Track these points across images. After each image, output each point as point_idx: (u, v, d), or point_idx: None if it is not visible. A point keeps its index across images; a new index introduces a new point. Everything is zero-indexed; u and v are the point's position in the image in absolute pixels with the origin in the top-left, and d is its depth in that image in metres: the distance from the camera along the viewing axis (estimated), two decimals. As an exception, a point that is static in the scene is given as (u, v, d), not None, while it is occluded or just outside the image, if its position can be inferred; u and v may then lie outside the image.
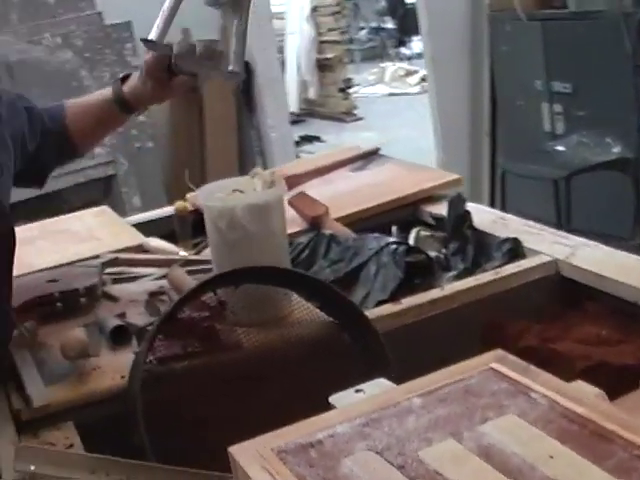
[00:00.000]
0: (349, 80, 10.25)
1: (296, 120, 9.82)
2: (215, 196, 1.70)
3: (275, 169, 1.78)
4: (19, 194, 4.06)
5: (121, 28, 4.43)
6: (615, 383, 1.38)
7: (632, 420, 0.88)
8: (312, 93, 10.15)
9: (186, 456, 1.32)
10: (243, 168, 5.14)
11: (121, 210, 4.22)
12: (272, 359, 1.58)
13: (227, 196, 1.71)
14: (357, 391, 1.01)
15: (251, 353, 1.59)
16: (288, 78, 10.23)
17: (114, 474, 1.30)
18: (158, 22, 1.62)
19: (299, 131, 9.12)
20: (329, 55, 10.10)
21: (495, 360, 1.03)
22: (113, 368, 1.58)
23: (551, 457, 0.83)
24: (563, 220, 4.37)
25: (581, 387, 0.96)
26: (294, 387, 1.51)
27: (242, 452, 0.89)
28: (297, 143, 8.34)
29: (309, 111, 10.32)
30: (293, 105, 10.13)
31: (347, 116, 9.92)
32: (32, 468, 1.29)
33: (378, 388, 1.01)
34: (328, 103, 10.13)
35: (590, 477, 0.80)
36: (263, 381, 1.52)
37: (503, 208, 4.41)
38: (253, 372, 1.55)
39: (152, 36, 1.61)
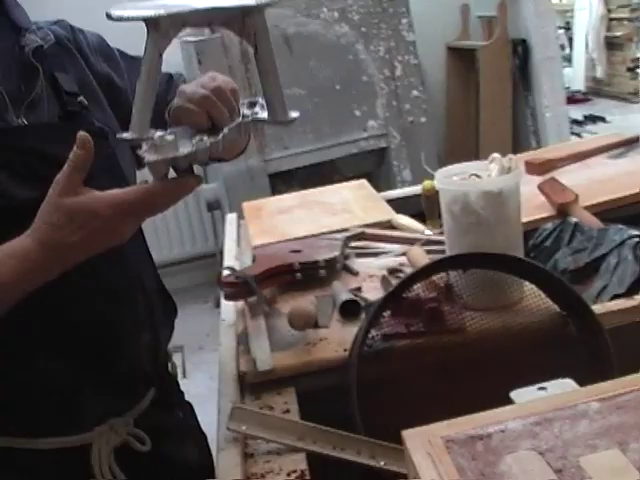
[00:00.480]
0: (638, 59, 9.85)
1: (581, 99, 9.58)
2: (451, 180, 1.72)
3: (512, 156, 1.73)
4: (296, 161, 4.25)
5: (397, 3, 4.47)
6: None
7: None
8: (599, 71, 9.84)
9: (392, 433, 1.36)
10: (516, 147, 5.11)
11: (392, 183, 4.32)
12: (494, 346, 1.59)
13: (462, 180, 1.72)
14: (540, 389, 1.01)
15: (473, 338, 1.61)
16: (575, 55, 9.99)
17: (321, 442, 1.36)
18: (134, 115, 1.28)
19: (584, 110, 8.89)
20: (618, 33, 9.74)
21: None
22: (339, 340, 1.64)
23: None
24: None
25: None
26: (511, 376, 1.51)
27: (413, 436, 0.93)
28: (580, 123, 8.15)
29: (595, 90, 10.02)
30: (579, 83, 9.89)
31: (634, 97, 9.55)
32: (243, 428, 1.37)
33: (561, 388, 1.01)
34: (615, 82, 9.79)
35: None
36: (481, 367, 1.53)
37: None
38: (473, 357, 1.56)
39: (130, 135, 1.27)
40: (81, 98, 1.53)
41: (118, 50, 1.73)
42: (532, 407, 0.96)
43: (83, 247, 1.25)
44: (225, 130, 1.34)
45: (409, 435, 0.93)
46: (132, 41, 1.79)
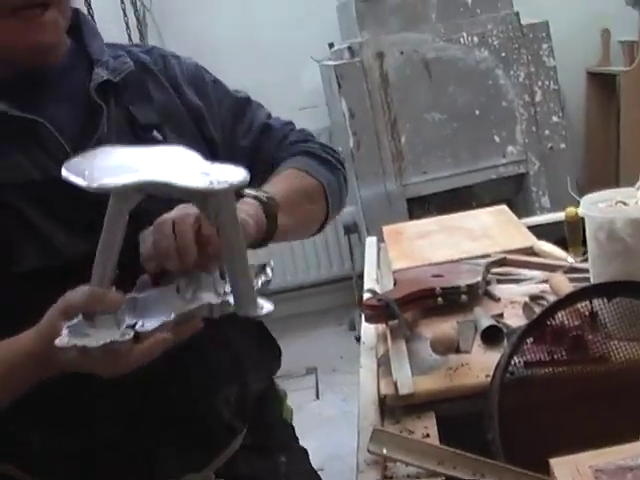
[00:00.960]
0: None
1: None
2: (597, 206, 1.70)
3: None
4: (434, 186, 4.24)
5: (538, 28, 4.42)
6: None
7: None
8: None
9: (532, 462, 1.35)
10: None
11: (530, 209, 4.27)
12: (638, 377, 1.56)
13: (608, 207, 1.70)
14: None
15: (617, 368, 1.58)
16: None
17: (461, 467, 1.36)
18: (93, 272, 1.20)
19: None
20: None
21: None
22: (481, 366, 1.64)
23: None
24: None
25: None
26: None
27: (561, 465, 0.92)
28: None
29: None
30: None
31: None
32: (384, 451, 1.38)
33: None
34: None
35: None
36: (624, 398, 1.51)
37: None
38: (616, 388, 1.54)
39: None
40: (155, 133, 1.46)
41: (214, 81, 1.64)
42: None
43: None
44: (169, 318, 1.19)
45: (557, 463, 0.92)
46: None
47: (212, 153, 1.36)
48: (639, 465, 0.90)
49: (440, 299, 1.89)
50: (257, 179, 1.43)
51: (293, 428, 1.80)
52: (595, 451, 0.93)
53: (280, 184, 1.51)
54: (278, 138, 1.67)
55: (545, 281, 2.00)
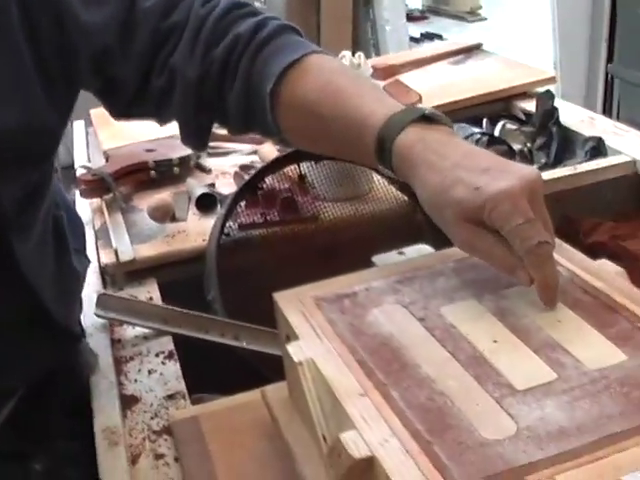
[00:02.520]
0: (473, -21, 10.02)
1: (419, 17, 9.70)
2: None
3: (361, 53, 1.79)
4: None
5: None
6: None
7: (644, 296, 0.94)
8: (437, -10, 10.00)
9: (253, 318, 1.42)
10: (356, 59, 5.15)
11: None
12: (347, 233, 1.67)
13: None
14: (399, 253, 1.09)
15: (327, 226, 1.68)
16: (414, -27, 10.09)
17: (186, 325, 1.41)
18: None
19: (421, 28, 9.01)
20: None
21: (531, 236, 1.09)
22: (197, 232, 1.69)
23: (559, 321, 0.90)
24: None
25: (605, 265, 1.02)
26: (364, 261, 1.59)
27: (284, 298, 0.98)
28: (418, 40, 8.26)
29: (433, 8, 10.17)
30: (417, 1, 10.00)
31: (471, 15, 9.75)
32: (111, 315, 1.41)
33: (419, 252, 1.09)
34: (453, 1, 9.96)
35: (589, 340, 0.87)
36: (335, 253, 1.61)
37: (617, 116, 4.35)
38: (327, 244, 1.64)
39: None
40: None
41: None
42: (393, 268, 1.04)
43: None
44: None
45: (279, 297, 0.98)
46: None
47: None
48: (355, 292, 0.98)
49: (153, 172, 1.92)
50: None
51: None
52: (315, 283, 1.00)
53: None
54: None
55: (254, 152, 2.07)
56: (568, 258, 1.02)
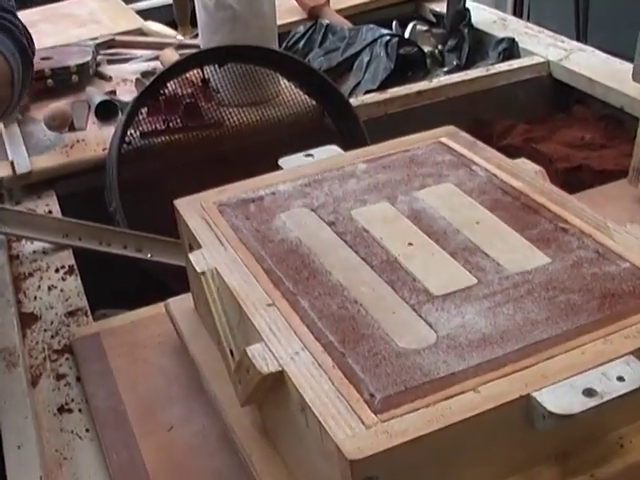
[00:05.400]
0: None
1: None
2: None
3: None
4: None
5: None
6: (594, 187, 1.40)
7: (564, 196, 0.90)
8: None
9: (156, 229, 1.35)
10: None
11: None
12: (253, 139, 1.60)
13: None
14: (307, 155, 1.02)
15: (232, 132, 1.61)
16: None
17: (87, 238, 1.34)
18: None
19: None
20: None
21: (446, 135, 1.04)
22: (97, 141, 1.61)
23: (477, 223, 0.86)
24: (581, 37, 4.28)
25: (523, 164, 0.97)
26: (272, 168, 1.53)
27: (185, 204, 0.93)
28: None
29: None
30: None
31: None
32: (6, 229, 1.33)
33: (328, 153, 1.03)
34: None
35: (510, 243, 0.82)
36: (242, 160, 1.54)
37: (527, 19, 4.32)
38: (233, 151, 1.57)
39: None
40: None
41: None
42: (301, 171, 0.98)
43: None
44: None
45: (181, 203, 0.93)
46: None
47: None
48: (260, 196, 0.92)
49: (50, 80, 1.82)
50: None
51: None
52: (218, 188, 0.94)
53: None
54: None
55: (156, 58, 1.98)
56: (485, 158, 0.98)
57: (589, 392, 0.62)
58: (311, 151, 1.03)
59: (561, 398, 0.62)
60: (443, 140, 1.02)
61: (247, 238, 0.85)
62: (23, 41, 1.15)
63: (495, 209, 0.88)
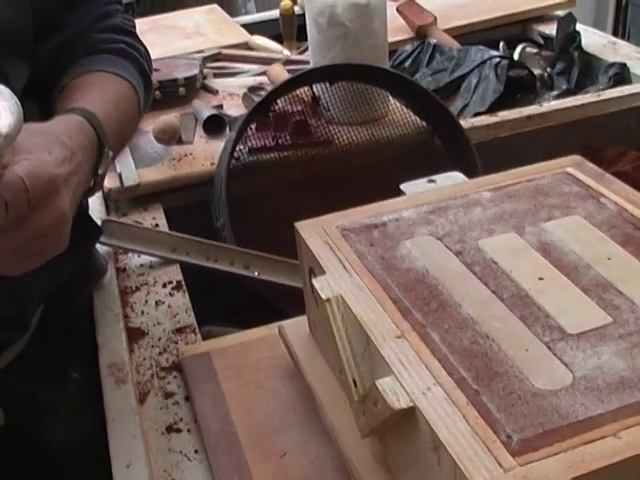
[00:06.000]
0: None
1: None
2: (316, -8, 1.68)
3: None
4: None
5: None
6: None
7: (699, 232, 0.87)
8: None
9: (263, 246, 1.35)
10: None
11: (234, 12, 4.19)
12: (362, 158, 1.59)
13: (329, -7, 1.68)
14: (429, 181, 1.01)
15: (341, 151, 1.60)
16: None
17: (194, 253, 1.34)
18: None
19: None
20: None
21: (572, 165, 1.01)
22: (205, 155, 1.61)
23: (609, 259, 0.83)
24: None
25: (654, 198, 0.94)
26: (380, 188, 1.52)
27: (307, 227, 0.91)
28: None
29: None
30: None
31: None
32: (115, 242, 1.33)
33: (451, 180, 1.01)
34: None
35: (644, 279, 0.80)
36: (350, 179, 1.53)
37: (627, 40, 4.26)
38: (341, 170, 1.56)
39: None
40: None
41: None
42: (424, 197, 0.96)
43: None
44: None
45: (302, 226, 0.91)
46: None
47: None
48: (384, 222, 0.90)
49: (158, 92, 1.83)
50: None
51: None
52: (340, 212, 0.93)
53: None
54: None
55: (263, 73, 1.98)
56: (614, 190, 0.95)
57: None
58: (434, 177, 1.01)
59: None
60: (569, 170, 1.00)
61: (372, 265, 0.84)
62: (145, 66, 1.15)
63: (627, 244, 0.85)
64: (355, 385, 0.77)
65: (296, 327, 0.99)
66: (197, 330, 1.18)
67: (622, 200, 0.93)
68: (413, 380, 0.68)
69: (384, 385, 0.68)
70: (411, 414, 0.66)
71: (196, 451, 0.95)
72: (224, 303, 1.37)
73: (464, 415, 0.64)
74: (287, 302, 1.19)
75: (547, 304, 0.76)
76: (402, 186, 1.00)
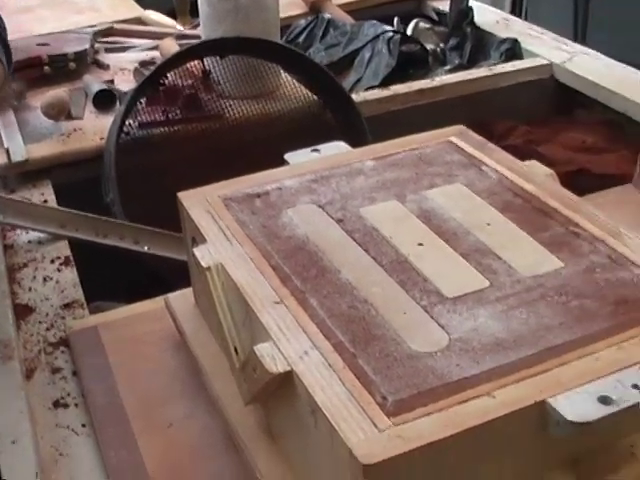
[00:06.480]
0: None
1: None
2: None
3: None
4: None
5: None
6: (594, 190, 1.38)
7: (576, 200, 0.89)
8: None
9: (153, 221, 1.34)
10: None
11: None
12: (253, 132, 1.58)
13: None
14: (313, 150, 1.01)
15: (232, 125, 1.59)
16: None
17: (84, 229, 1.32)
18: None
19: None
20: None
21: (456, 134, 1.03)
22: (95, 130, 1.59)
23: (488, 225, 0.84)
24: (579, 39, 4.27)
25: (534, 166, 0.96)
26: (272, 162, 1.52)
27: (189, 197, 0.91)
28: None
29: None
30: None
31: None
32: (1, 218, 1.31)
33: (335, 150, 1.01)
34: None
35: (522, 246, 0.81)
36: (242, 154, 1.52)
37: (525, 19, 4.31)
38: (232, 144, 1.55)
39: None
40: None
41: None
42: (308, 166, 0.96)
43: None
44: None
45: (185, 196, 0.91)
46: None
47: None
48: (266, 191, 0.91)
49: (47, 67, 1.80)
50: None
51: None
52: (223, 182, 0.92)
53: None
54: None
55: (155, 48, 1.96)
56: (496, 159, 0.96)
57: (605, 400, 0.61)
58: (318, 147, 1.01)
59: (577, 405, 0.61)
60: (452, 139, 1.01)
61: (253, 233, 0.84)
62: (2, 34, 1.12)
63: (506, 211, 0.86)
64: (236, 353, 0.77)
65: (182, 299, 0.99)
66: (85, 305, 1.16)
67: (503, 168, 0.94)
68: (291, 345, 0.68)
69: (262, 350, 0.68)
70: (289, 379, 0.67)
71: (83, 425, 0.94)
72: (115, 279, 1.36)
73: (340, 378, 0.64)
74: (177, 276, 1.18)
75: (426, 269, 0.77)
76: (286, 156, 0.99)
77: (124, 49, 2.02)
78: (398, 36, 1.88)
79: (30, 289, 1.21)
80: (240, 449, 0.79)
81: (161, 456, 0.85)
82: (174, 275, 1.22)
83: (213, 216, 0.87)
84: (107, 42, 2.05)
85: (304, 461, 0.71)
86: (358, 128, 1.54)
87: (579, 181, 1.59)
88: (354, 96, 1.66)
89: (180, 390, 0.93)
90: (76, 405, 0.97)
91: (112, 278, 1.35)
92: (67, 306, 1.16)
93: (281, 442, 0.76)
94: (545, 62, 1.87)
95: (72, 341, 1.05)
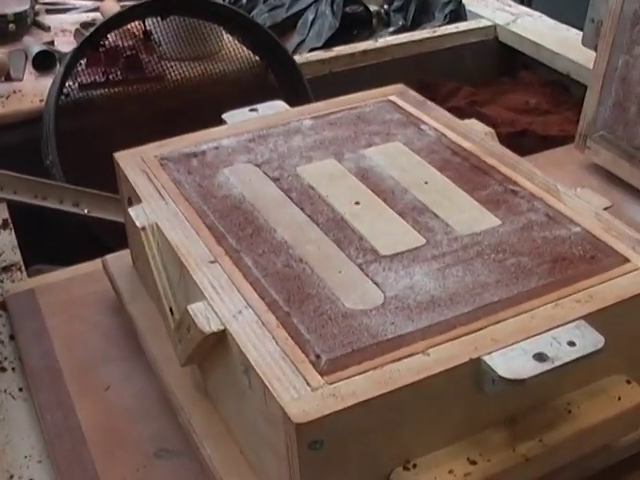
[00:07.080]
0: None
1: None
2: None
3: None
4: None
5: None
6: (537, 152, 1.39)
7: (515, 158, 0.88)
8: None
9: (95, 184, 1.32)
10: None
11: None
12: (195, 94, 1.57)
13: None
14: (252, 110, 0.99)
15: (174, 86, 1.58)
16: None
17: (22, 191, 1.30)
18: None
19: None
20: None
21: (395, 93, 1.02)
22: (34, 92, 1.57)
23: (426, 183, 0.84)
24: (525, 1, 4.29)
25: (473, 125, 0.95)
26: (214, 123, 1.51)
27: (125, 157, 0.89)
28: None
29: None
30: None
31: None
32: None
33: (273, 109, 1.00)
34: None
35: (459, 204, 0.80)
36: (184, 115, 1.51)
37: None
38: (174, 105, 1.54)
39: None
40: None
41: None
42: (245, 126, 0.95)
43: None
44: None
45: (121, 157, 0.89)
46: None
47: None
48: (203, 151, 0.90)
49: (-14, 29, 1.77)
50: None
51: None
52: (159, 142, 0.91)
53: None
54: None
55: (96, 9, 1.94)
56: (435, 117, 0.96)
57: (540, 357, 0.61)
58: (256, 106, 1.00)
59: (512, 362, 0.61)
60: (392, 98, 1.00)
61: (189, 193, 0.83)
62: None
63: (444, 169, 0.86)
64: (172, 313, 0.76)
65: (120, 261, 0.98)
66: (23, 268, 1.15)
67: (442, 126, 0.94)
68: (225, 304, 0.67)
69: (195, 310, 0.67)
70: (223, 338, 0.66)
71: (20, 389, 0.93)
72: (55, 242, 1.34)
73: (274, 337, 0.64)
74: (118, 238, 1.17)
75: (362, 227, 0.77)
76: (224, 115, 0.98)
77: (65, 10, 1.99)
78: (341, -3, 1.87)
79: (-34, 253, 1.19)
80: (177, 410, 0.78)
81: (98, 418, 0.84)
82: (115, 237, 1.21)
83: (149, 176, 0.85)
84: (48, 3, 2.02)
85: (240, 421, 0.70)
86: (300, 90, 1.54)
87: (523, 142, 1.60)
88: (297, 57, 1.65)
89: (118, 353, 0.92)
90: (13, 369, 0.96)
91: (53, 241, 1.34)
92: (5, 269, 1.15)
93: (217, 403, 0.76)
94: (489, 23, 1.88)
95: (9, 304, 1.04)
